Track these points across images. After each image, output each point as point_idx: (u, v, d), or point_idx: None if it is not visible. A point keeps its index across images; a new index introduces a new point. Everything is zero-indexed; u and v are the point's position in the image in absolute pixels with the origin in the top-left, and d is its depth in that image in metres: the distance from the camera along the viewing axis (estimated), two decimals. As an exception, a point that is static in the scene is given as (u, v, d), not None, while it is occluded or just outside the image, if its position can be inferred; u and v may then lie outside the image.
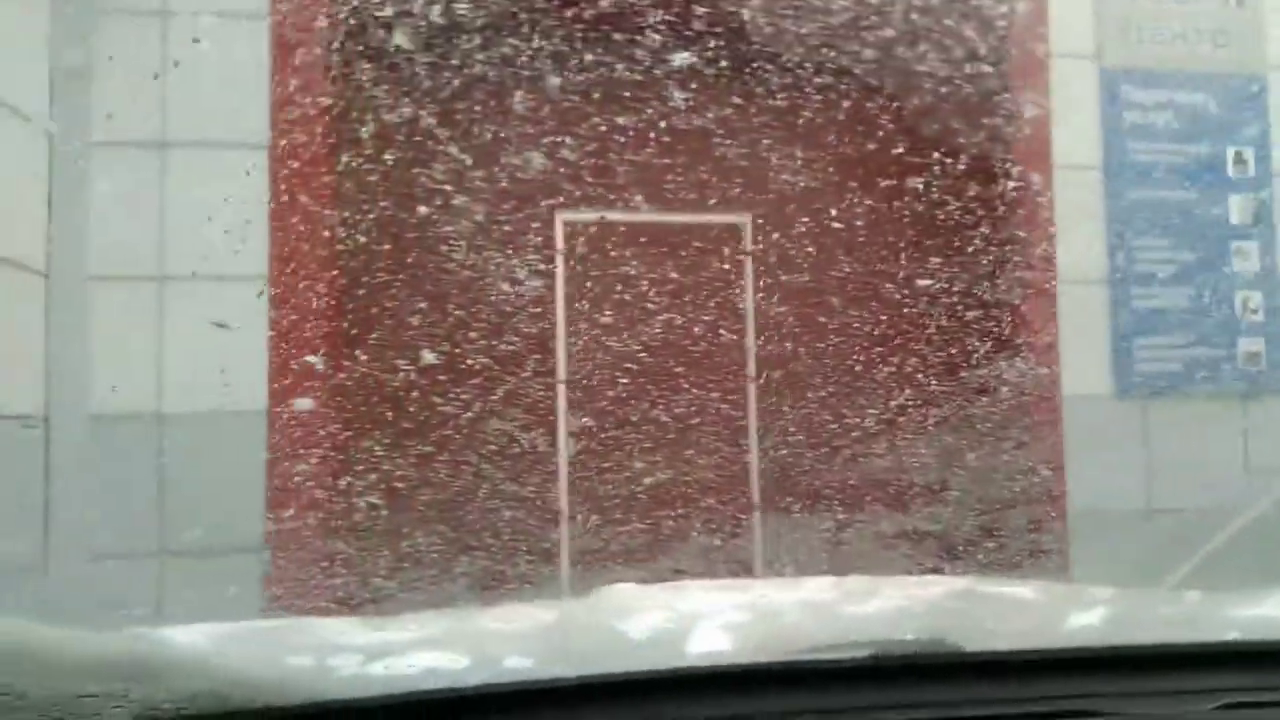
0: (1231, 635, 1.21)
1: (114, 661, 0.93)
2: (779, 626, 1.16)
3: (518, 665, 1.09)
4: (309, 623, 1.18)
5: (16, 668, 0.88)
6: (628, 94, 3.61)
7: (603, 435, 3.62)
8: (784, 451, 3.69)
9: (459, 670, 1.06)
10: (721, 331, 3.74)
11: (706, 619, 1.15)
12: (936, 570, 3.16)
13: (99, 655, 0.93)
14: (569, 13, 3.50)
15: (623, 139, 3.64)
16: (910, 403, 3.70)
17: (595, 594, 1.23)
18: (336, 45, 3.42)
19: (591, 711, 1.09)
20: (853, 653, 1.15)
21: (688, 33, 3.50)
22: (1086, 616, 1.23)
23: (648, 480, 3.54)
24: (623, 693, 1.10)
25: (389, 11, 3.38)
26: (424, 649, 1.08)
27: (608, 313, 3.65)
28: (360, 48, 3.45)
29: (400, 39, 3.39)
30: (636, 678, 1.11)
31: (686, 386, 3.67)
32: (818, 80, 3.75)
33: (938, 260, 3.83)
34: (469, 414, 3.47)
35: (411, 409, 3.43)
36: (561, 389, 3.64)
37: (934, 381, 3.73)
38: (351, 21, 3.39)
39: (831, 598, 1.22)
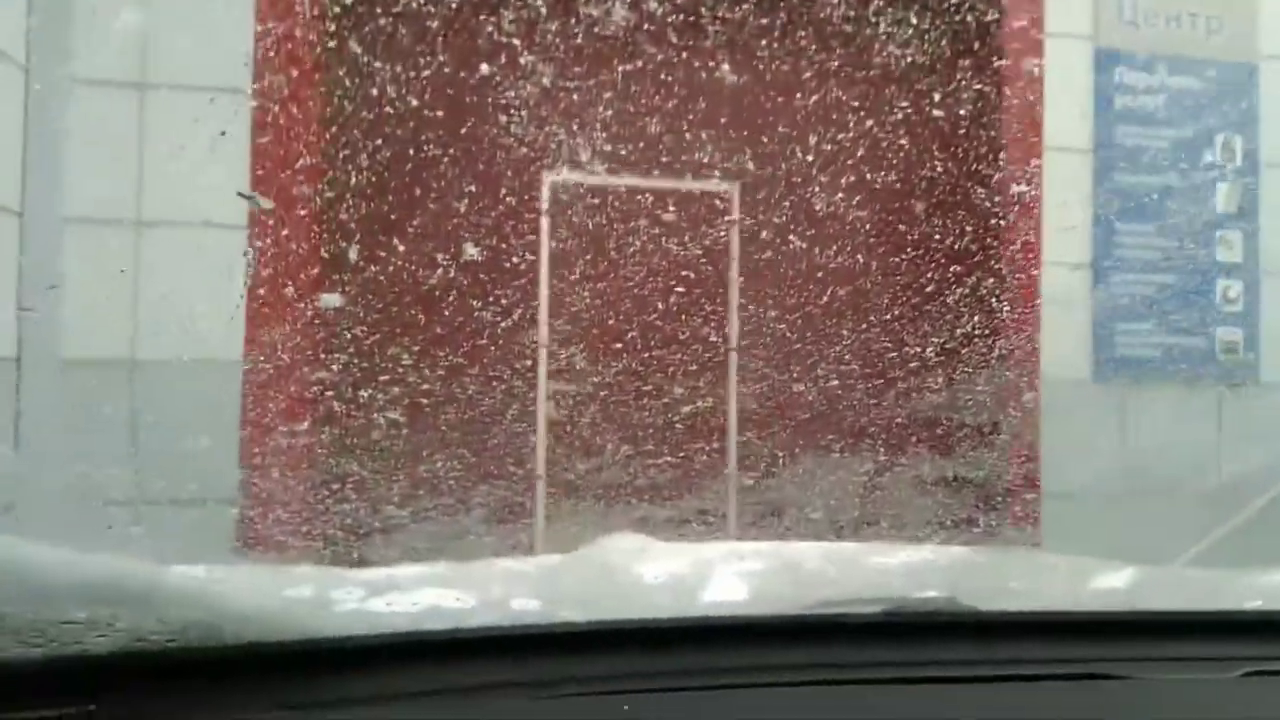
0: (1254, 604, 1.19)
1: (102, 587, 0.87)
2: (796, 578, 1.12)
3: (525, 608, 1.04)
4: (317, 566, 1.13)
5: None
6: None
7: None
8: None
9: (464, 610, 1.01)
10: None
11: (723, 568, 1.11)
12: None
13: (85, 579, 0.87)
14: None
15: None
16: (892, 379, 3.69)
17: (609, 539, 1.19)
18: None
19: (599, 658, 1.04)
20: (867, 608, 1.12)
21: None
22: (1109, 581, 1.20)
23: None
24: (632, 640, 1.06)
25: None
26: (428, 587, 1.03)
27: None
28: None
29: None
30: (646, 625, 1.07)
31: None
32: (807, 61, 3.71)
33: (920, 240, 3.81)
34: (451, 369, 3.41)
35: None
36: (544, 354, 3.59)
37: (914, 359, 3.71)
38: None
39: (857, 551, 1.19)
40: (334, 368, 3.31)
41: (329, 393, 3.29)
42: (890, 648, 1.12)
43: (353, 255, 3.41)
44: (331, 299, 3.27)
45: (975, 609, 1.14)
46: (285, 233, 3.19)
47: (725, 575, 1.12)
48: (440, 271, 3.44)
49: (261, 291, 3.14)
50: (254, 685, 0.91)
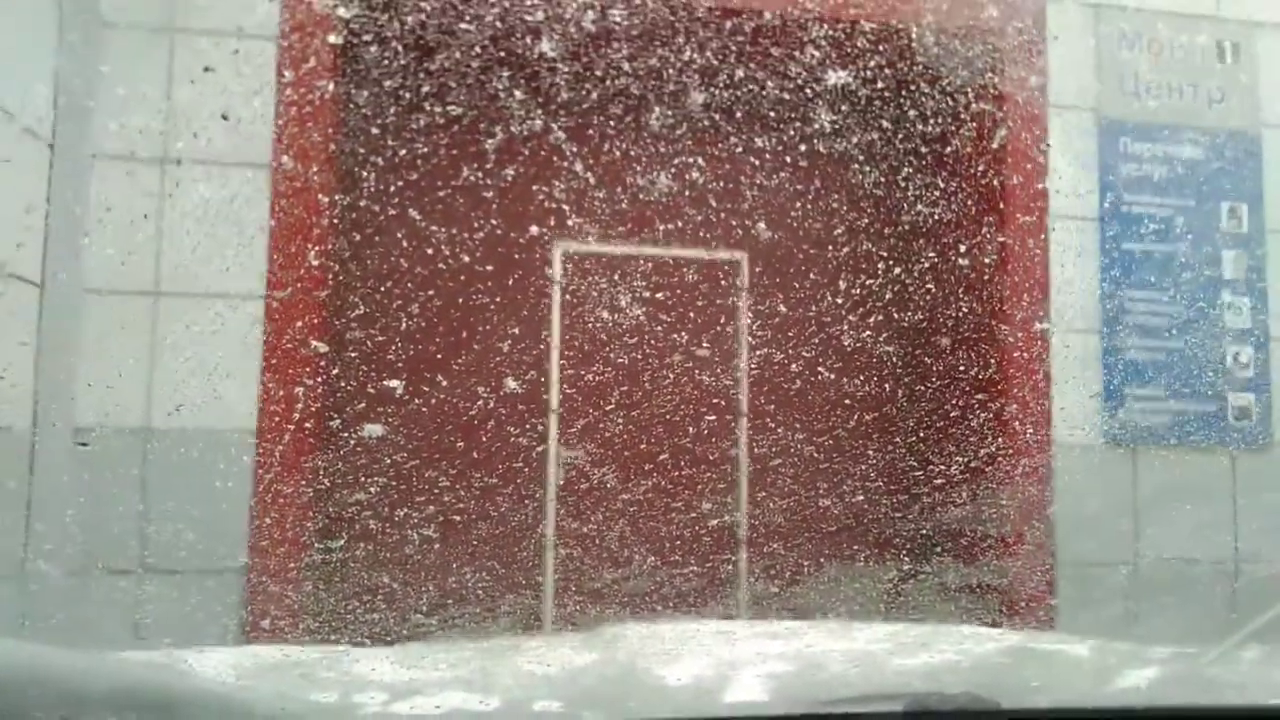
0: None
1: (130, 691, 0.87)
2: (820, 676, 1.11)
3: (547, 709, 1.04)
4: (340, 654, 1.13)
5: (21, 695, 0.82)
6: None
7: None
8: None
9: (487, 712, 1.00)
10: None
11: (746, 666, 1.10)
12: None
13: (113, 684, 0.87)
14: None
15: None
16: (903, 447, 3.68)
17: (630, 636, 1.18)
18: (342, 67, 3.39)
19: None
20: (887, 706, 1.11)
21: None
22: (1134, 677, 1.19)
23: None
24: (654, 741, 1.05)
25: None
26: (452, 689, 1.03)
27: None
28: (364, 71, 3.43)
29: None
30: (667, 725, 1.06)
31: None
32: (814, 133, 3.77)
33: (930, 305, 3.83)
34: (457, 439, 3.42)
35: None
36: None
37: (926, 422, 3.71)
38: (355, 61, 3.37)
39: (881, 648, 1.18)
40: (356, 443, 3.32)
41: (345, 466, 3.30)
42: None
43: (365, 324, 3.44)
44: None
45: (997, 705, 1.13)
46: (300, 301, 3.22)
47: (751, 671, 1.12)
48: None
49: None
50: None
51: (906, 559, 3.50)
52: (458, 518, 3.34)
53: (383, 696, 0.98)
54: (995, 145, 3.87)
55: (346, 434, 3.33)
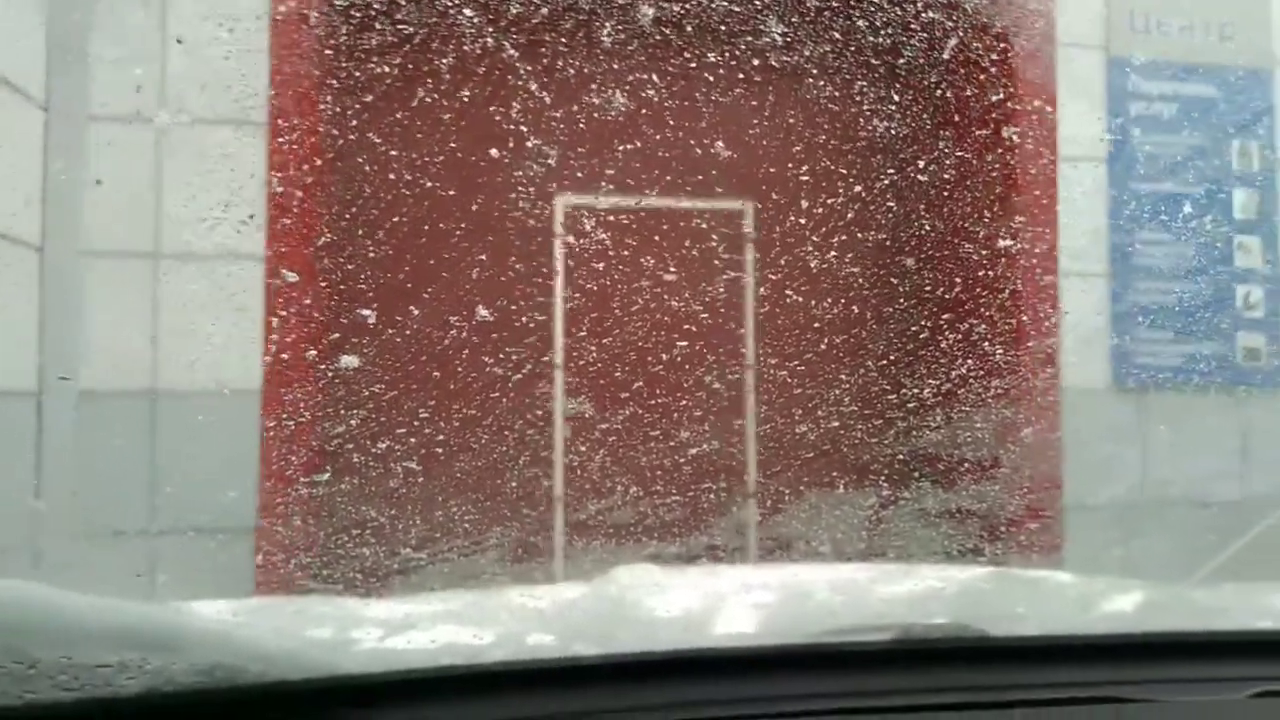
0: (1265, 624, 1.19)
1: (131, 630, 0.90)
2: (806, 608, 1.13)
3: (540, 642, 1.06)
4: (333, 599, 1.15)
5: (29, 634, 0.85)
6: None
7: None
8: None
9: (480, 646, 1.03)
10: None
11: (733, 599, 1.12)
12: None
13: (116, 624, 0.90)
14: None
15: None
16: (912, 391, 3.69)
17: (621, 572, 1.21)
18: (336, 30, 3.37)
19: (612, 691, 1.06)
20: (876, 636, 1.13)
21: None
22: (1117, 603, 1.20)
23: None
24: (645, 673, 1.08)
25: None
26: (445, 623, 1.05)
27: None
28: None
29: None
30: (659, 658, 1.08)
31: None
32: (818, 73, 3.73)
33: (939, 249, 3.82)
34: (468, 402, 3.45)
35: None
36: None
37: (933, 369, 3.71)
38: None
39: (863, 579, 1.20)
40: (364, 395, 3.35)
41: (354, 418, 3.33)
42: (900, 675, 1.13)
43: (370, 281, 3.45)
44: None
45: (984, 634, 1.15)
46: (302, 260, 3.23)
47: (738, 604, 1.14)
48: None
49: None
50: None
51: (914, 500, 3.52)
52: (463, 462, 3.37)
53: (378, 632, 1.01)
54: (1001, 83, 3.83)
55: (353, 386, 3.35)
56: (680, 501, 3.51)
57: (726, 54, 3.64)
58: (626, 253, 3.64)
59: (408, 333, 3.42)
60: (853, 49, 3.65)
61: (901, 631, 1.13)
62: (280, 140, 3.24)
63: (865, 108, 3.80)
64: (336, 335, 3.40)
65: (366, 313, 3.39)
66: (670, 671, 1.08)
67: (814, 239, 3.77)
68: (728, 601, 1.13)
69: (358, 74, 3.44)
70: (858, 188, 3.80)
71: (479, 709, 1.02)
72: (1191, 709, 1.09)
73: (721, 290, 3.74)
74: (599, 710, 1.04)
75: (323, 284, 3.38)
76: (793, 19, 3.53)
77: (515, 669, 1.04)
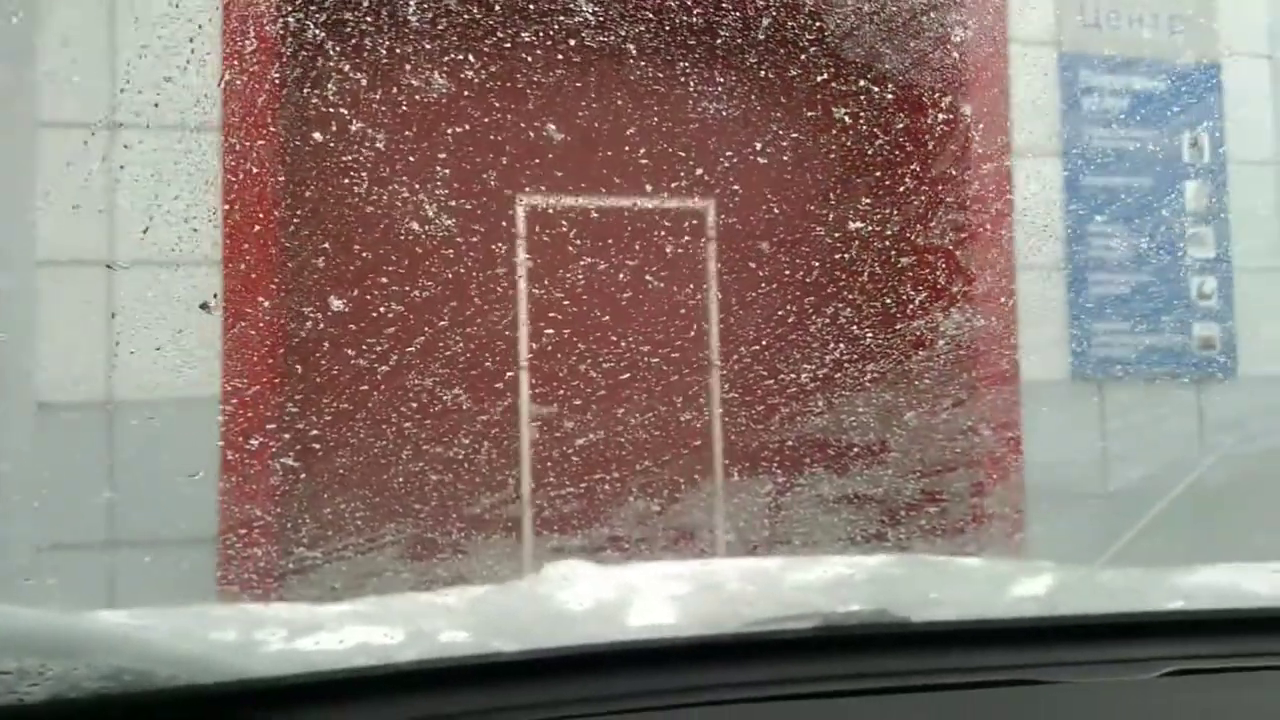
0: (1175, 604, 1.21)
1: (30, 636, 0.90)
2: (723, 599, 1.14)
3: (454, 640, 1.06)
4: (234, 604, 1.15)
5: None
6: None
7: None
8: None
9: (392, 646, 1.03)
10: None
11: (650, 593, 1.12)
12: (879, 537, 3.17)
13: (13, 630, 0.89)
14: None
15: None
16: (865, 382, 3.70)
17: (535, 568, 1.21)
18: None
19: (532, 687, 1.06)
20: (799, 624, 1.14)
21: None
22: (1029, 587, 1.22)
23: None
24: (565, 667, 1.08)
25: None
26: (354, 624, 1.05)
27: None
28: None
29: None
30: (578, 651, 1.09)
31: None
32: (779, 65, 3.75)
33: (894, 245, 3.83)
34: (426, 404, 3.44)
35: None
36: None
37: (889, 360, 3.73)
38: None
39: (775, 568, 1.21)
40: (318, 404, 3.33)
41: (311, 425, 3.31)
42: (824, 662, 1.14)
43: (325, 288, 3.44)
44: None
45: (906, 619, 1.16)
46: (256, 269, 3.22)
47: (655, 597, 1.14)
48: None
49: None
50: None
51: (883, 499, 3.54)
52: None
53: (283, 632, 1.01)
54: (955, 81, 3.85)
55: (313, 392, 3.34)
56: (657, 506, 3.50)
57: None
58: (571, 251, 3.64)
59: (370, 337, 3.40)
60: (803, 44, 3.67)
61: (823, 619, 1.14)
62: (234, 142, 3.23)
63: (818, 101, 3.82)
64: (296, 340, 3.38)
65: (327, 314, 3.38)
66: (588, 665, 1.08)
67: (774, 236, 3.79)
68: (637, 590, 1.14)
69: (313, 75, 3.43)
70: (812, 190, 3.82)
71: (395, 708, 1.02)
72: (1104, 690, 1.11)
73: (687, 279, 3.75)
74: (515, 706, 1.04)
75: (281, 289, 3.36)
76: (733, 13, 3.54)
77: (430, 668, 1.04)
